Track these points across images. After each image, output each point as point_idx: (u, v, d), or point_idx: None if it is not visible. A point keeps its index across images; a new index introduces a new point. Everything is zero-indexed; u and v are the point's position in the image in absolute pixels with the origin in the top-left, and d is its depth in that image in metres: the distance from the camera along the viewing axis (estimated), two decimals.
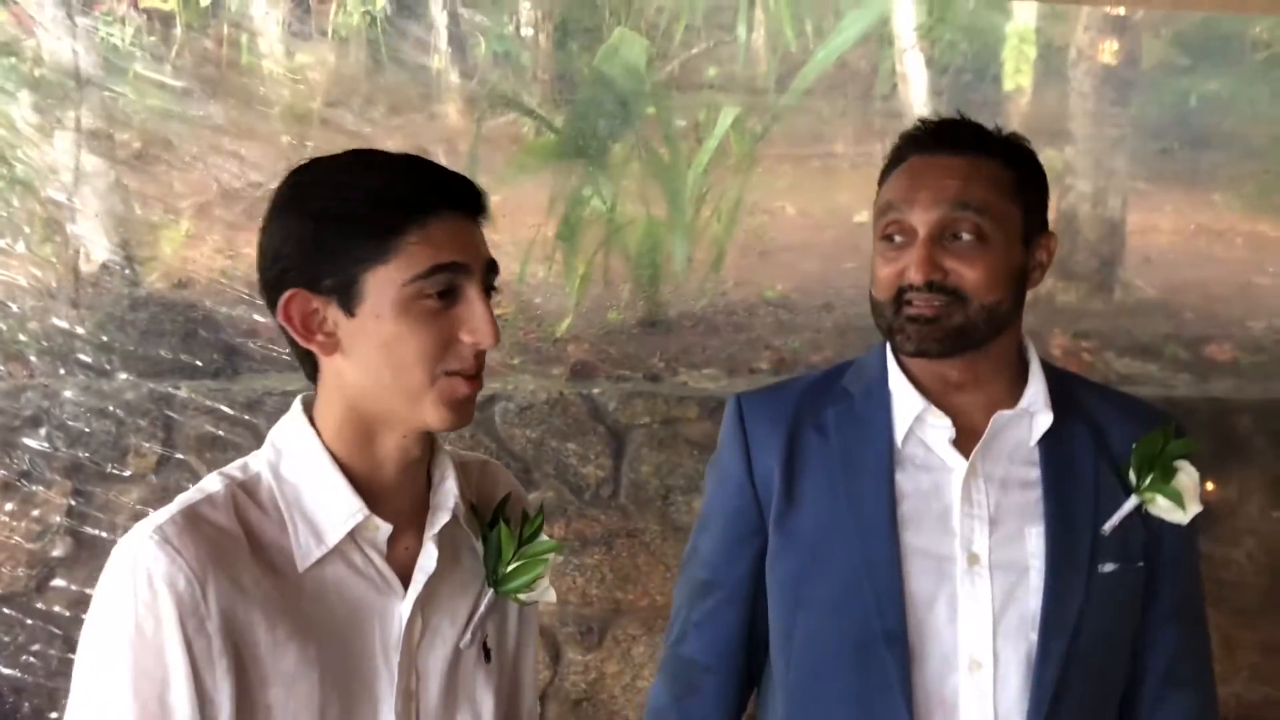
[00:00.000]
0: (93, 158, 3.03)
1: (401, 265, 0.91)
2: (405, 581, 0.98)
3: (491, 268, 0.96)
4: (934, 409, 1.18)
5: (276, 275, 0.93)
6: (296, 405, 0.99)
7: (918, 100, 4.68)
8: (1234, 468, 2.65)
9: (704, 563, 1.29)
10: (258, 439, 2.54)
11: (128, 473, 2.42)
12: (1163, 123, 4.96)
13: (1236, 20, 5.04)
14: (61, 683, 2.43)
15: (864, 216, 4.28)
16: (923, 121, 1.19)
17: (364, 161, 0.95)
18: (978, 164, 1.14)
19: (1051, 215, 3.65)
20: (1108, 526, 1.18)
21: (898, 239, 1.15)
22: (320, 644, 0.94)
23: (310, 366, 0.98)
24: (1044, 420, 1.18)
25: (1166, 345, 3.06)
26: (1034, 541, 1.16)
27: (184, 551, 0.88)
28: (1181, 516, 1.18)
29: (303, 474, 0.96)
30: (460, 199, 0.95)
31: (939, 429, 1.18)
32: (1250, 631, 2.65)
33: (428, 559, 0.99)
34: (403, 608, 0.97)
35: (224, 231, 3.10)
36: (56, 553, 2.43)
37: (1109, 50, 3.44)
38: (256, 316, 2.69)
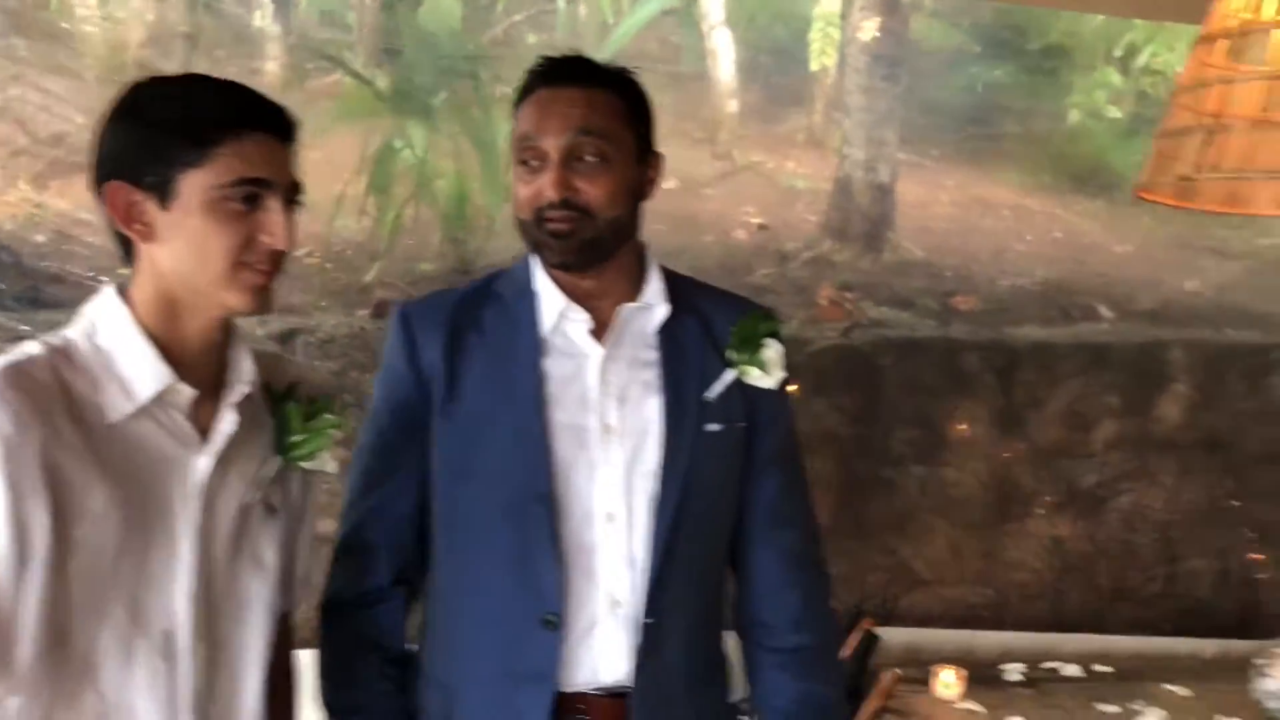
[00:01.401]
0: None
1: (213, 172, 1.08)
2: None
3: (295, 187, 1.15)
4: (575, 306, 1.37)
5: (107, 169, 1.10)
6: (109, 288, 1.14)
7: (726, 75, 4.99)
8: (965, 399, 3.05)
9: (377, 454, 1.43)
10: None
11: None
12: (954, 105, 5.42)
13: (1027, 12, 5.52)
14: None
15: (673, 184, 4.57)
16: (547, 58, 1.36)
17: (194, 80, 1.13)
18: (596, 94, 1.31)
19: (829, 184, 3.96)
20: (711, 394, 1.40)
21: (533, 163, 1.31)
22: (126, 489, 1.10)
23: (127, 251, 1.14)
24: (661, 312, 1.39)
25: (920, 297, 3.44)
26: (653, 410, 1.37)
27: (8, 399, 1.03)
28: (770, 382, 1.42)
29: (115, 342, 1.12)
30: (273, 123, 1.13)
31: (578, 322, 1.37)
32: (977, 542, 3.05)
33: (226, 423, 1.17)
34: (203, 461, 1.15)
35: (31, 170, 3.13)
36: None
37: (871, 30, 3.80)
38: (67, 247, 2.76)
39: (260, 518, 1.23)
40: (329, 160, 3.76)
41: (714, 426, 1.39)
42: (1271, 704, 2.40)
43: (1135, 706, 2.45)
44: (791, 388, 3.22)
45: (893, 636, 2.80)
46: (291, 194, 1.15)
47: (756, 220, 4.21)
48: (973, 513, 3.02)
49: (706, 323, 1.43)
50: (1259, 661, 2.43)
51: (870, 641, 2.47)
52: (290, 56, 4.81)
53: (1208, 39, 1.83)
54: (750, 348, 1.42)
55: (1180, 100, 1.84)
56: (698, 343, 1.42)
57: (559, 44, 4.92)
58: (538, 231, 1.32)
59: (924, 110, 4.94)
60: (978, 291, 3.58)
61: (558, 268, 1.36)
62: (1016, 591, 3.03)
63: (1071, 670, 2.69)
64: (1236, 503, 3.11)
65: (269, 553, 1.24)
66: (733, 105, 5.13)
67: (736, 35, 5.27)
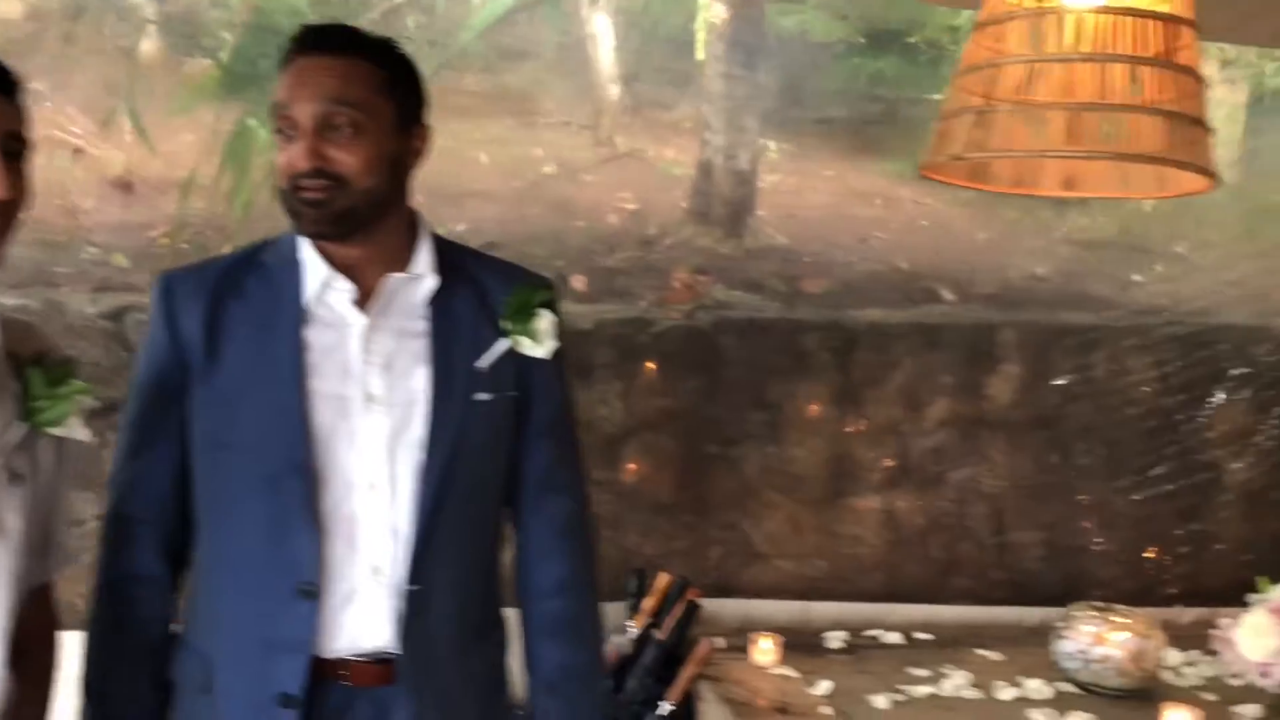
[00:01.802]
0: None
1: None
2: None
3: (17, 138, 1.17)
4: (339, 276, 1.38)
5: None
6: None
7: (607, 61, 5.03)
8: (803, 379, 3.13)
9: (137, 426, 1.43)
10: None
11: None
12: (835, 96, 5.53)
13: (911, 4, 5.65)
14: None
15: (552, 168, 4.60)
16: (306, 26, 1.37)
17: None
18: (353, 64, 1.33)
19: (691, 168, 4.00)
20: (482, 363, 1.42)
21: (289, 133, 1.33)
22: None
23: None
24: (431, 282, 1.41)
25: (770, 280, 3.52)
26: (421, 380, 1.39)
27: None
28: (542, 351, 1.45)
29: None
30: None
31: (342, 292, 1.38)
32: (815, 517, 3.14)
33: None
34: None
35: None
36: None
37: (721, 13, 3.88)
38: None
39: (2, 484, 1.23)
40: (201, 141, 3.73)
41: (484, 395, 1.42)
42: (1066, 664, 2.52)
43: (944, 670, 2.54)
44: (650, 365, 3.24)
45: (729, 608, 2.87)
46: (12, 145, 1.16)
47: (630, 206, 4.25)
48: (811, 489, 3.11)
49: (482, 292, 1.45)
50: (1059, 625, 2.55)
51: (691, 612, 2.54)
52: (166, 36, 4.75)
53: (983, 24, 1.92)
54: (523, 317, 1.45)
55: (958, 82, 1.93)
56: (471, 312, 1.44)
57: (438, 28, 4.94)
58: (293, 200, 1.34)
59: (804, 101, 5.05)
60: (831, 276, 3.66)
61: (312, 236, 1.38)
62: (853, 564, 3.13)
63: (893, 638, 2.79)
64: (1064, 476, 3.24)
65: (13, 520, 1.23)
66: (615, 91, 5.18)
67: (624, 21, 5.32)
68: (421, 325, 1.41)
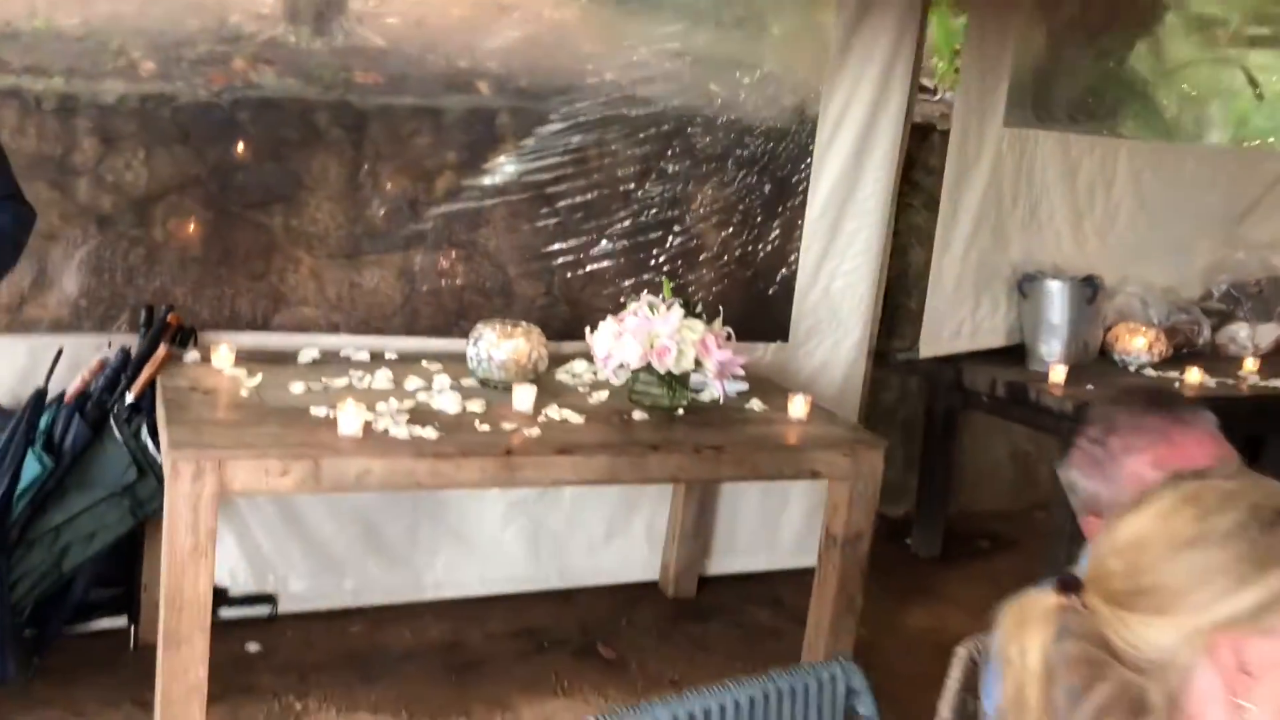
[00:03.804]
0: None
1: None
2: None
3: None
4: None
5: None
6: None
7: None
8: (321, 152, 3.65)
9: None
10: None
11: None
12: None
13: None
14: None
15: None
16: None
17: None
18: None
19: None
20: None
21: None
22: None
23: None
24: None
25: (326, 72, 3.97)
26: None
27: None
28: None
29: None
30: None
31: None
32: (338, 272, 3.70)
33: None
34: None
35: None
36: None
37: None
38: None
39: None
40: None
41: None
42: (471, 365, 3.19)
43: (375, 373, 3.17)
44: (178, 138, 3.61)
45: (244, 340, 3.44)
46: None
47: (265, 11, 4.60)
48: (332, 246, 3.66)
49: None
50: (471, 336, 3.20)
51: (162, 328, 3.10)
52: None
53: None
54: None
55: None
56: None
57: None
58: None
59: None
60: (389, 71, 4.12)
61: None
62: (374, 311, 3.72)
63: (361, 356, 3.40)
64: (554, 236, 3.88)
65: None
66: None
67: None
68: None
